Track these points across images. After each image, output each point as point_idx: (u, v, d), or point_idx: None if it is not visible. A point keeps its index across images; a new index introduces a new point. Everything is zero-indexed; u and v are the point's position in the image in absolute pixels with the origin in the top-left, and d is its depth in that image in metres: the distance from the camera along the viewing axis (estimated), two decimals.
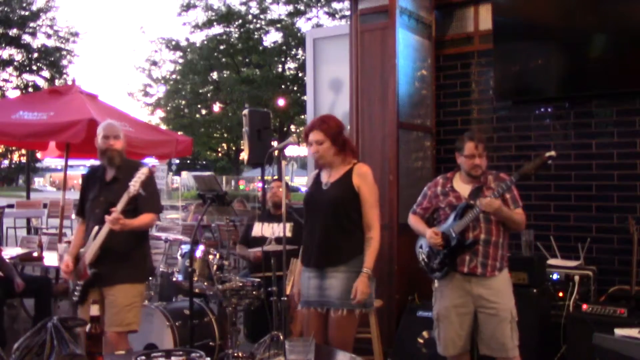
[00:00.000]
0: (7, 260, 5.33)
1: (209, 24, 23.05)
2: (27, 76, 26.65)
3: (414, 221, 3.55)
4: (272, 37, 31.74)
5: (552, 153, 3.12)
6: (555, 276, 4.25)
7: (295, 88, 23.31)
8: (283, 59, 23.54)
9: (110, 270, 3.40)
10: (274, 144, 10.33)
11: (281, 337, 3.60)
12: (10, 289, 4.85)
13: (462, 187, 3.38)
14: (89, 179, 3.67)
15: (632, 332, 2.95)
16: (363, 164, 3.25)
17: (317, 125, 3.17)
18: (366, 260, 3.11)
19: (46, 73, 26.87)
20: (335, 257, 3.11)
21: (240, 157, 26.67)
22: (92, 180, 3.64)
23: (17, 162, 34.91)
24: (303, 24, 22.96)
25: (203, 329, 4.16)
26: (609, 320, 3.65)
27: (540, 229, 4.56)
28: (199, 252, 4.10)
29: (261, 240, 4.30)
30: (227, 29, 23.16)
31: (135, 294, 3.47)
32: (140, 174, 3.30)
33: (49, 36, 26.57)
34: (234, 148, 29.04)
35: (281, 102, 21.69)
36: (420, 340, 4.28)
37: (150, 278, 4.03)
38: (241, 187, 35.80)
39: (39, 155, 16.72)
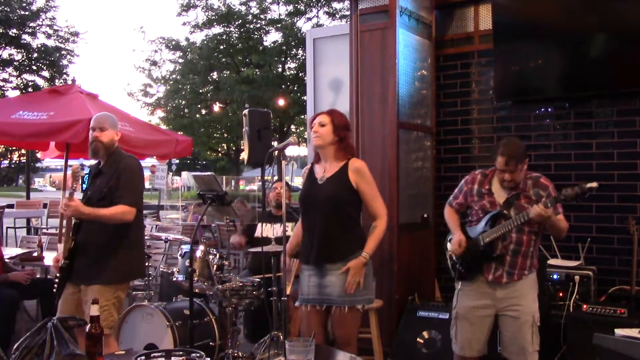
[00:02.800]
0: (7, 261, 5.36)
1: (209, 24, 23.03)
2: (27, 76, 26.60)
3: (449, 215, 3.49)
4: (272, 37, 31.78)
5: (594, 185, 3.00)
6: (555, 276, 4.25)
7: (295, 88, 23.27)
8: (283, 59, 23.51)
9: (88, 269, 3.38)
10: (274, 144, 10.33)
11: (281, 337, 3.60)
12: (24, 291, 4.90)
13: (500, 192, 3.26)
14: (89, 174, 3.68)
15: (632, 332, 2.95)
16: (357, 158, 3.25)
17: (326, 111, 3.27)
18: (367, 245, 3.12)
19: (46, 73, 26.83)
20: (334, 253, 3.11)
21: (240, 157, 26.65)
22: (90, 175, 3.65)
23: (17, 162, 34.88)
24: (303, 24, 22.95)
25: (203, 329, 4.16)
26: (609, 320, 3.66)
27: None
28: (199, 252, 4.10)
29: (263, 241, 4.30)
30: (227, 29, 23.13)
31: (109, 296, 3.37)
32: (79, 174, 3.36)
33: (49, 36, 26.52)
34: (234, 148, 29.03)
35: (281, 102, 21.67)
36: (420, 340, 4.28)
37: (137, 279, 4.00)
38: (241, 187, 35.79)
39: (39, 155, 16.74)
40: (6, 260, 5.27)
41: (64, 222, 3.85)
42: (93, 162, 3.65)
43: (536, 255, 3.31)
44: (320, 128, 3.18)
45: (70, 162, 6.93)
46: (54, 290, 3.51)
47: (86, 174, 3.70)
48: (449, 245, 3.45)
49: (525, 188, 3.22)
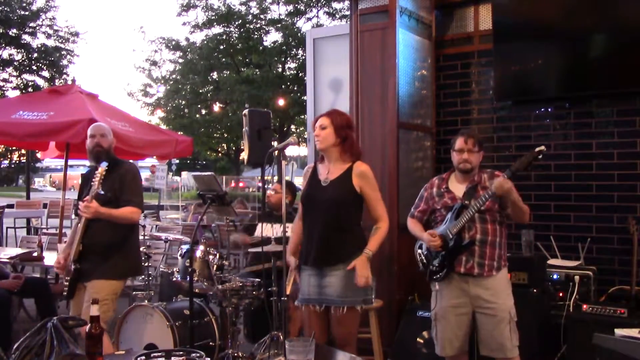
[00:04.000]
0: (6, 261, 5.37)
1: (209, 24, 23.03)
2: (27, 76, 26.62)
3: (412, 225, 3.56)
4: (272, 37, 31.75)
5: (542, 148, 3.12)
6: (555, 276, 4.25)
7: (295, 88, 23.27)
8: (283, 59, 23.52)
9: (90, 266, 3.51)
10: (274, 144, 10.33)
11: (281, 337, 3.60)
12: (19, 291, 4.91)
13: (457, 187, 3.38)
14: (86, 179, 3.76)
15: (632, 332, 2.94)
16: (361, 162, 3.25)
17: (326, 113, 3.28)
18: (369, 243, 3.15)
19: (46, 73, 26.84)
20: (334, 255, 3.12)
21: (240, 157, 26.64)
22: (87, 180, 3.72)
23: (17, 162, 34.87)
24: (303, 24, 22.96)
25: (203, 329, 4.16)
26: (609, 320, 3.65)
27: (540, 229, 4.56)
28: (199, 252, 4.10)
29: (263, 241, 4.30)
30: (227, 29, 23.13)
31: (108, 291, 3.51)
32: (97, 173, 3.40)
33: (49, 36, 26.53)
34: (234, 148, 29.02)
35: (281, 102, 21.67)
36: (420, 340, 4.28)
37: (132, 277, 4.06)
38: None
39: (39, 155, 16.73)
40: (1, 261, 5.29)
41: (74, 223, 3.89)
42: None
43: (504, 247, 3.36)
44: (321, 131, 3.18)
45: (70, 162, 6.94)
46: (64, 292, 3.58)
47: (83, 174, 3.75)
48: (419, 253, 3.50)
49: (481, 181, 3.33)
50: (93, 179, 3.43)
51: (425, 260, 3.45)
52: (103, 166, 3.44)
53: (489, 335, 3.26)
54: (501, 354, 3.25)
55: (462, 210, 3.27)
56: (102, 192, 3.42)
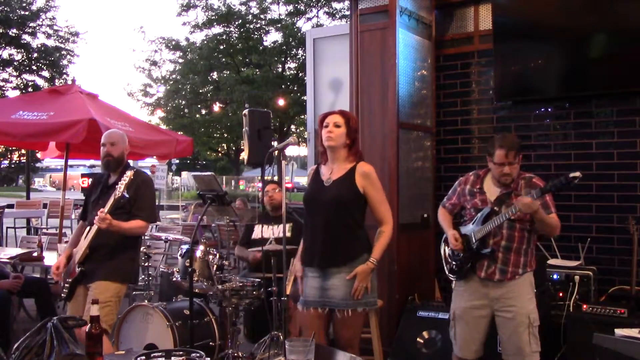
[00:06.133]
0: (6, 261, 5.37)
1: (209, 24, 23.04)
2: (27, 76, 26.62)
3: (442, 216, 3.53)
4: (272, 37, 31.80)
5: (577, 174, 2.93)
6: (555, 276, 4.25)
7: (295, 88, 23.27)
8: (283, 59, 23.52)
9: (95, 268, 3.54)
10: (274, 144, 10.32)
11: (281, 337, 3.60)
12: (18, 291, 4.91)
13: (491, 190, 3.29)
14: (95, 183, 3.80)
15: (632, 332, 2.94)
16: (364, 162, 3.21)
17: (340, 112, 3.22)
18: (374, 250, 3.10)
19: (46, 73, 26.84)
20: (339, 257, 3.08)
21: (240, 157, 26.66)
22: (97, 184, 3.77)
23: (17, 162, 34.86)
24: (303, 24, 22.96)
25: (203, 329, 4.16)
26: (609, 320, 3.65)
27: None
28: (199, 252, 4.11)
29: (261, 242, 4.29)
30: (227, 29, 23.14)
31: (112, 293, 3.54)
32: (125, 177, 3.43)
33: (49, 36, 26.54)
34: (234, 148, 29.04)
35: (281, 102, 21.68)
36: (420, 340, 4.28)
37: (131, 283, 4.06)
38: (241, 187, 35.81)
39: (39, 155, 16.74)
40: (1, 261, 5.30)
41: (79, 225, 3.91)
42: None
43: (532, 253, 3.30)
44: (335, 129, 3.13)
45: (70, 162, 6.95)
46: (62, 293, 3.60)
47: (84, 175, 3.76)
48: (444, 248, 3.48)
49: (517, 187, 3.23)
50: (117, 183, 3.44)
51: (448, 258, 3.44)
52: (130, 173, 3.46)
53: (507, 338, 3.21)
54: (520, 358, 3.18)
55: (490, 216, 3.20)
56: (127, 196, 3.46)
